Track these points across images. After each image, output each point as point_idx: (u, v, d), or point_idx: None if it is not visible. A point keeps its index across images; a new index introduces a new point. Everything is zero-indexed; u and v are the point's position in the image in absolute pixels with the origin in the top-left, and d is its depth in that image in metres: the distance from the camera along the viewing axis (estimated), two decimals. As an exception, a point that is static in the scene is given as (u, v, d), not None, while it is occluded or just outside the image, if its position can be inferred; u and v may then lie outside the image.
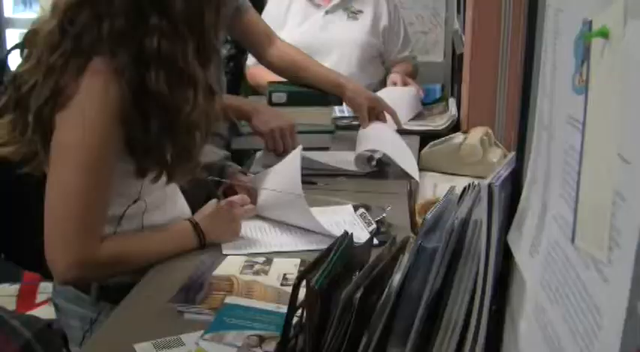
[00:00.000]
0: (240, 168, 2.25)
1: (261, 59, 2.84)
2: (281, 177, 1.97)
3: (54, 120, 1.54)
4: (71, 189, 1.53)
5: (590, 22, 0.67)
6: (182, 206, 1.85)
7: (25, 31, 1.65)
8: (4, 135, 1.62)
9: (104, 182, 1.56)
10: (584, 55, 0.69)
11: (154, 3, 1.53)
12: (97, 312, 1.68)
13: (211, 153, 2.10)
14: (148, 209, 1.70)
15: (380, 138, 2.52)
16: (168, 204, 1.78)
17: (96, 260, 1.56)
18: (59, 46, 1.53)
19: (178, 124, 1.57)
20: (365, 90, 2.76)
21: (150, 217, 1.71)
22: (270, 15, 3.52)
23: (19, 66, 1.61)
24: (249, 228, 1.90)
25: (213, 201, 1.84)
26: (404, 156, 2.39)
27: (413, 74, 3.62)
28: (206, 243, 1.76)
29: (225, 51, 3.57)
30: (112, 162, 1.56)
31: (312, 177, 2.29)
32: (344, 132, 2.70)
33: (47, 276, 1.91)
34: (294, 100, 2.88)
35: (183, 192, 1.86)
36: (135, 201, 1.67)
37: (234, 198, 1.88)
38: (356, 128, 2.79)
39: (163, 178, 1.64)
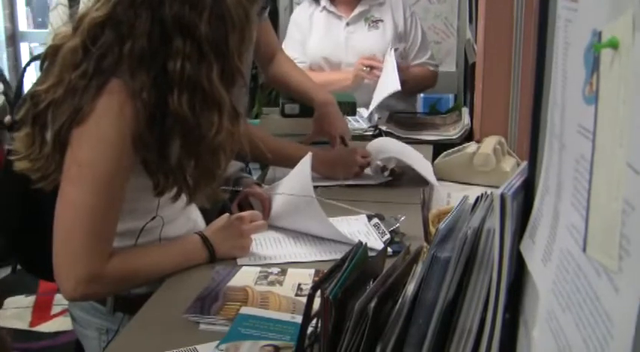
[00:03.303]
0: (255, 179, 2.25)
1: (264, 71, 2.88)
2: (293, 184, 1.98)
3: (71, 138, 1.55)
4: (80, 208, 1.53)
5: (600, 33, 0.68)
6: (196, 219, 1.86)
7: (38, 44, 1.67)
8: (21, 148, 1.63)
9: (113, 202, 1.57)
10: (594, 66, 0.70)
11: (178, 26, 1.52)
12: (118, 324, 1.69)
13: None
14: (164, 223, 1.71)
15: (391, 148, 2.53)
16: (182, 217, 1.79)
17: (103, 277, 1.56)
18: (80, 65, 1.54)
19: (203, 147, 1.58)
20: (331, 114, 2.70)
21: (165, 230, 1.71)
22: (297, 25, 3.57)
23: (38, 81, 1.62)
24: (264, 239, 1.91)
25: (225, 215, 1.84)
26: (419, 162, 2.40)
27: (428, 80, 3.61)
28: (216, 257, 1.76)
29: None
30: (122, 183, 1.57)
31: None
32: (357, 142, 2.71)
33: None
34: (306, 111, 2.90)
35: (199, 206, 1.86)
36: (153, 218, 1.68)
37: (245, 213, 1.88)
38: (369, 138, 2.80)
39: (184, 197, 1.65)
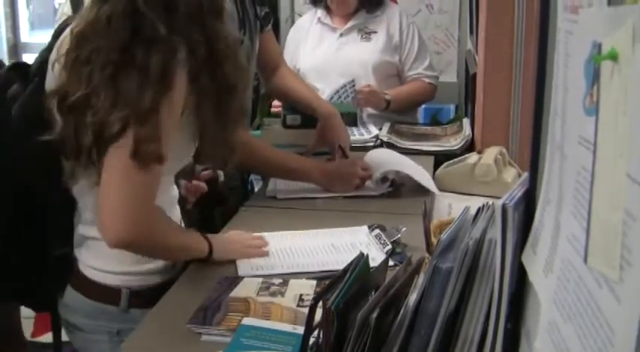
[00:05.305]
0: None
1: (266, 82, 2.88)
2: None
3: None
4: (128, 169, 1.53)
5: (600, 45, 0.68)
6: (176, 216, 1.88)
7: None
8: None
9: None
10: (594, 77, 0.70)
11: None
12: (132, 322, 1.68)
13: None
14: None
15: (390, 160, 2.54)
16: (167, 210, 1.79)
17: (148, 225, 1.59)
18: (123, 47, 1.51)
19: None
20: (335, 125, 2.74)
21: None
22: (291, 40, 3.60)
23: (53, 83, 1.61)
24: (266, 249, 1.91)
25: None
26: (418, 172, 2.41)
27: (424, 95, 3.57)
28: (213, 253, 1.79)
29: None
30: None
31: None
32: (358, 153, 2.71)
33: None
34: (308, 122, 2.91)
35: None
36: None
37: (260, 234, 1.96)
38: (370, 149, 2.80)
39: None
